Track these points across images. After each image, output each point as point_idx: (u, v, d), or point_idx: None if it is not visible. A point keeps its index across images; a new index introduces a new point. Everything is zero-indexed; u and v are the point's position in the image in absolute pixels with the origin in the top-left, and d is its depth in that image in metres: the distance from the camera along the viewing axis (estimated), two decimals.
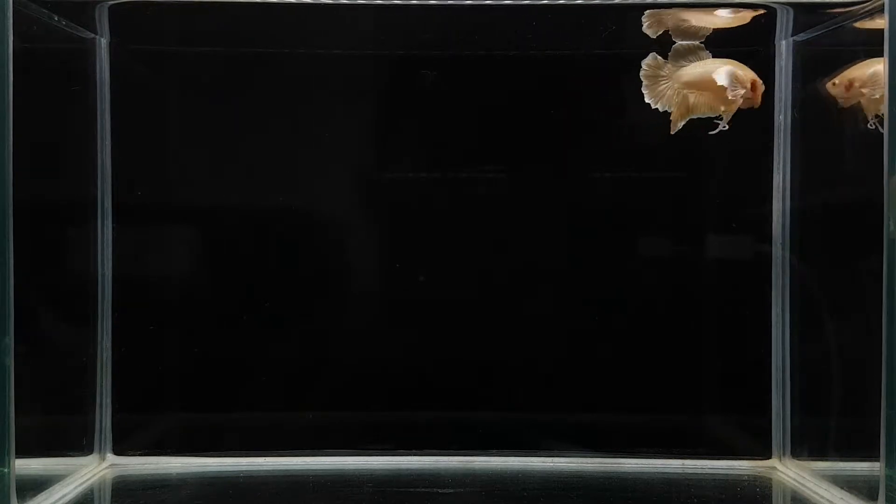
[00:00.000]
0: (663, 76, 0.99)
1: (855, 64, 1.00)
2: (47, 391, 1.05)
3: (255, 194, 1.18)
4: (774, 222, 1.16)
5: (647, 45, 1.14)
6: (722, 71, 0.97)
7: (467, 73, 1.17)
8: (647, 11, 0.96)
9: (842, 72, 1.01)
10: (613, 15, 1.09)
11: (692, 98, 0.97)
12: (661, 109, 0.98)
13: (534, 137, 1.18)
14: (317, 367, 1.18)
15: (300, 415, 1.18)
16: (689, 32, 0.98)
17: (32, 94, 0.91)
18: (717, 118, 1.00)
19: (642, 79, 0.98)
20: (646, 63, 0.99)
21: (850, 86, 1.00)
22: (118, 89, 1.14)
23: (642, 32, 1.13)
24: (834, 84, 1.01)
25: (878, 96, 0.96)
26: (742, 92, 0.97)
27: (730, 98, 0.97)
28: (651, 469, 1.14)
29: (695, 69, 0.99)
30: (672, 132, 0.99)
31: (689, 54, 0.99)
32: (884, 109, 0.86)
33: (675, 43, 1.00)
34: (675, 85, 0.98)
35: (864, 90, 0.98)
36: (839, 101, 1.00)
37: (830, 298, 1.10)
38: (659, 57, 0.98)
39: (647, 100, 0.98)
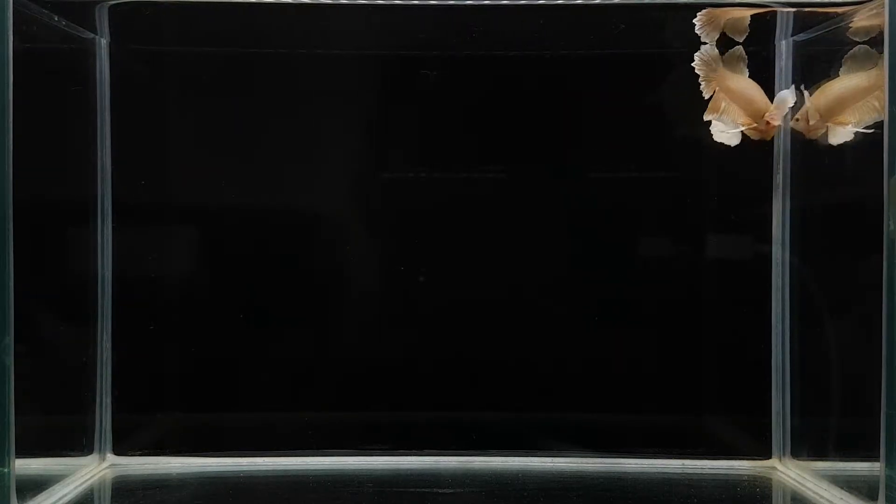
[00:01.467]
0: (713, 69, 1.02)
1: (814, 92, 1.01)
2: (47, 391, 1.05)
3: (254, 194, 1.18)
4: (774, 222, 1.16)
5: (651, 47, 1.15)
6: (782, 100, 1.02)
7: (467, 73, 1.17)
8: (701, 11, 1.01)
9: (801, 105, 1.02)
10: (620, 14, 1.10)
11: (723, 104, 1.00)
12: (705, 96, 1.03)
13: (534, 137, 1.18)
14: (316, 368, 1.18)
15: (300, 415, 1.18)
16: (738, 25, 1.01)
17: (32, 94, 0.91)
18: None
19: (698, 71, 1.02)
20: (698, 55, 1.02)
21: (808, 118, 1.00)
22: (118, 89, 1.14)
23: (644, 33, 1.14)
24: (797, 120, 1.02)
25: (843, 119, 0.97)
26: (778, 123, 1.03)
27: (772, 124, 1.02)
28: (651, 469, 1.14)
29: (739, 82, 1.02)
30: (704, 118, 1.02)
31: (733, 60, 1.03)
32: (884, 110, 0.86)
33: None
34: (719, 84, 1.01)
35: (827, 123, 0.99)
36: (807, 135, 1.01)
37: (830, 298, 1.10)
38: (715, 50, 1.01)
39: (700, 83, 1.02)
